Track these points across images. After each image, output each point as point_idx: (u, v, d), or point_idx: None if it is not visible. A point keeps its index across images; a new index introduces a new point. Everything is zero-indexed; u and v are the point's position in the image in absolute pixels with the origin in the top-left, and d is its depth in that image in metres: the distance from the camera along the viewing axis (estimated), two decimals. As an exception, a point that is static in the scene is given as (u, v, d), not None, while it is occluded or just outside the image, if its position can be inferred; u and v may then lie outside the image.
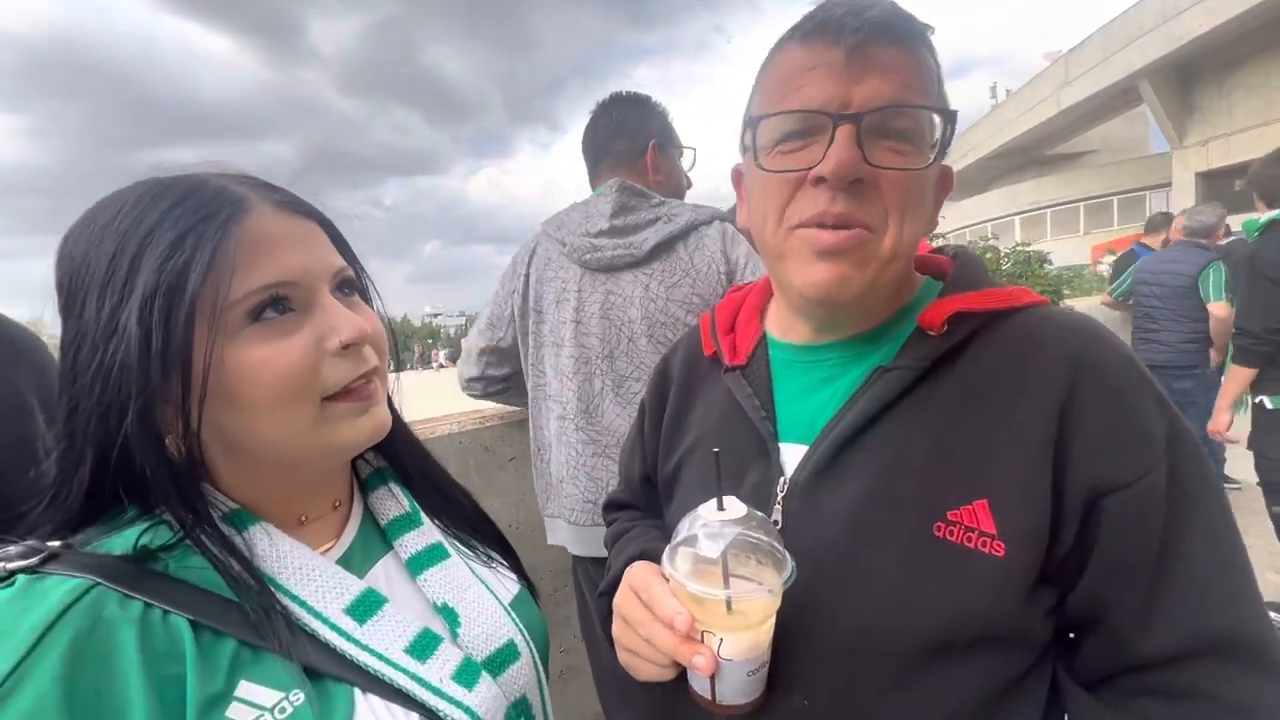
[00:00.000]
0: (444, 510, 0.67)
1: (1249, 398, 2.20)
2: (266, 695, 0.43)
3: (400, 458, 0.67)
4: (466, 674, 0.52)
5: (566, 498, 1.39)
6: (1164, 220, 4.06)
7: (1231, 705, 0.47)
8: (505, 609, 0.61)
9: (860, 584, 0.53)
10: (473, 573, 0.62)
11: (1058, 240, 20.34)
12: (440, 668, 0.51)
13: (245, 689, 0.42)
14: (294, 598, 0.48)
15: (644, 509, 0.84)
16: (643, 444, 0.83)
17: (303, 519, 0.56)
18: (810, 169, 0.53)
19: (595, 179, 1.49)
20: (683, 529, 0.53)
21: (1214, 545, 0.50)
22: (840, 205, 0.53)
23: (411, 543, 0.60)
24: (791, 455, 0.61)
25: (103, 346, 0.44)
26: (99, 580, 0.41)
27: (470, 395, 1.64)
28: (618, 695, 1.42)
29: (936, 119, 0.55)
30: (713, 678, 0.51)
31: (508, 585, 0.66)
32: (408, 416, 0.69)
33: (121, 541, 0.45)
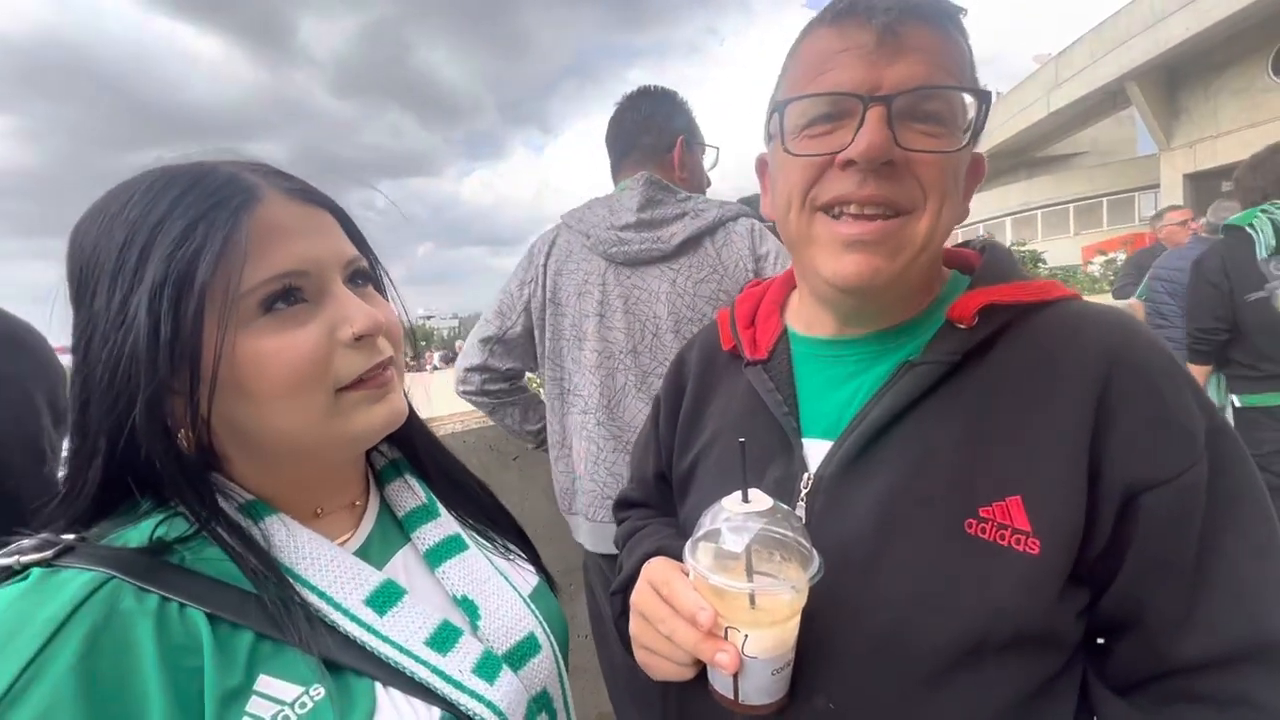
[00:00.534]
0: (460, 502, 0.67)
1: (1231, 399, 2.23)
2: (287, 690, 0.42)
3: (415, 449, 0.66)
4: (487, 667, 0.51)
5: (585, 494, 1.37)
6: (1158, 218, 4.11)
7: None
8: (525, 601, 0.60)
9: (889, 582, 0.52)
10: (491, 565, 0.61)
11: (1049, 240, 20.49)
12: (461, 660, 0.50)
13: (265, 683, 0.42)
14: (313, 589, 0.47)
15: (657, 507, 0.83)
16: (657, 439, 0.82)
17: (319, 511, 0.55)
18: (838, 152, 0.52)
19: (618, 173, 1.46)
20: (705, 522, 0.52)
21: (1257, 544, 0.49)
22: (870, 188, 0.52)
23: (430, 534, 0.59)
24: (815, 451, 0.60)
25: (113, 337, 0.43)
26: (115, 573, 0.41)
27: (465, 391, 1.48)
28: (629, 695, 1.40)
29: (969, 100, 0.54)
30: (736, 676, 0.49)
31: (526, 577, 0.65)
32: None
33: (137, 534, 0.44)
